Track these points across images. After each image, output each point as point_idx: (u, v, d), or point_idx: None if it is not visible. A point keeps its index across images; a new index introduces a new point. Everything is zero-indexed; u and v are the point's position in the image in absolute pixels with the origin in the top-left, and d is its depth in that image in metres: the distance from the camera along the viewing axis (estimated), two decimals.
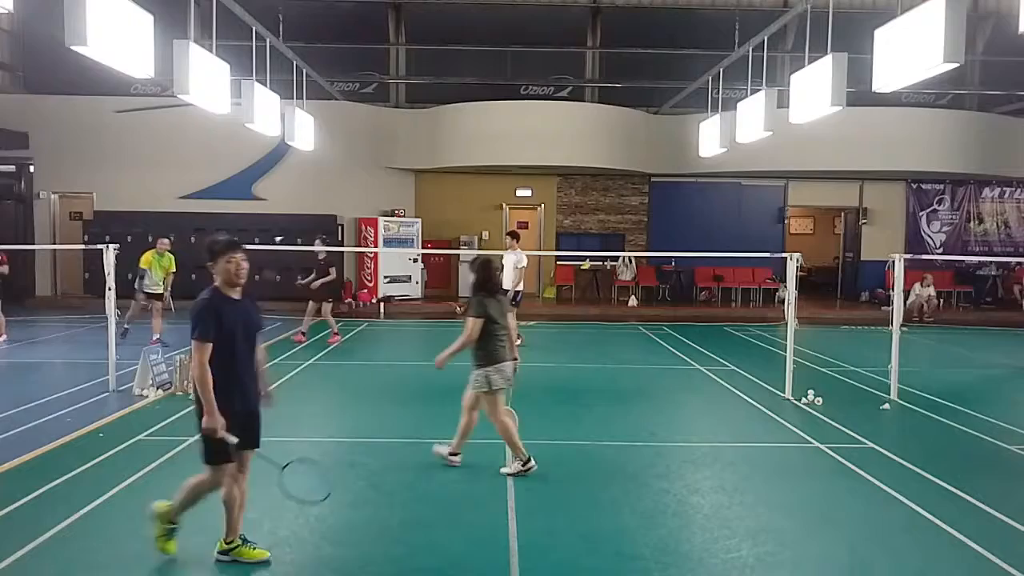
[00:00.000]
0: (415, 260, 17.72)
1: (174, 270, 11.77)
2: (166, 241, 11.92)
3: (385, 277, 17.29)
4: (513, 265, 11.27)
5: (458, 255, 17.78)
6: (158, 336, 11.35)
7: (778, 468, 6.03)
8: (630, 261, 18.79)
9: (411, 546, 4.42)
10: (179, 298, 15.95)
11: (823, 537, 4.68)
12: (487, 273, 5.64)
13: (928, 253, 18.74)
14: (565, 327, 14.36)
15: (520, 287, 11.41)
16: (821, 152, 16.68)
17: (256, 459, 4.25)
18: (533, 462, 5.58)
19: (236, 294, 4.12)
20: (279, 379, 9.05)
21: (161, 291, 11.57)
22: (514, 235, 11.88)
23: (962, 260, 18.67)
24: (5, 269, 11.88)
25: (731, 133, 12.30)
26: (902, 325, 8.55)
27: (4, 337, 11.69)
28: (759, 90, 10.73)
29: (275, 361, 10.22)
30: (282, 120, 12.31)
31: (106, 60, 6.51)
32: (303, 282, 12.10)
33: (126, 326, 11.56)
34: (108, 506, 4.92)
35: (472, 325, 5.46)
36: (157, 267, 11.55)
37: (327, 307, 12.04)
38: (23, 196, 17.91)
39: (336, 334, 12.22)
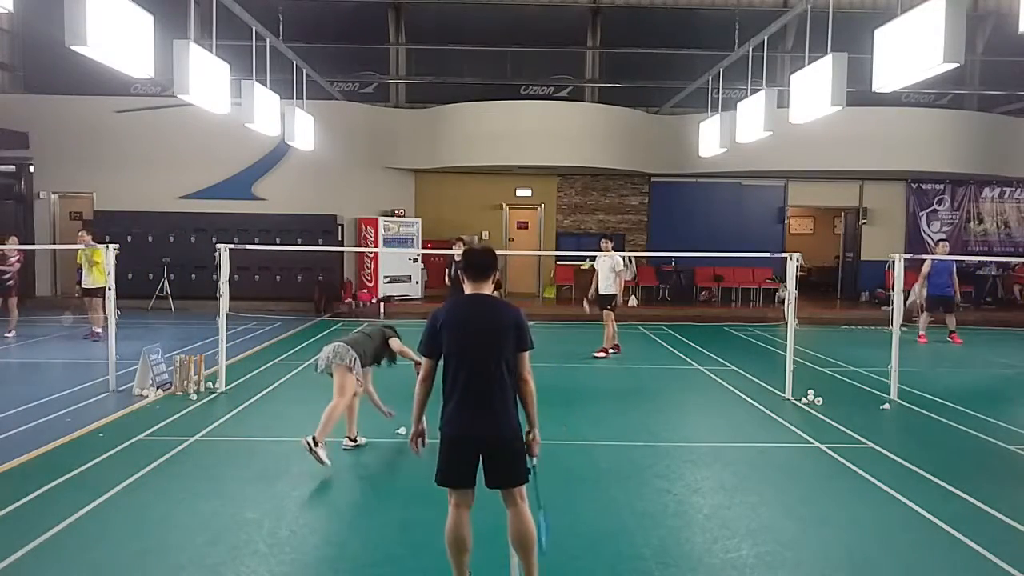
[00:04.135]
0: (415, 260, 17.72)
1: (97, 260, 11.25)
2: (83, 233, 11.78)
3: (385, 277, 17.30)
4: (611, 269, 10.97)
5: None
6: (98, 329, 11.43)
7: (778, 468, 6.02)
8: (630, 261, 18.74)
9: (411, 546, 4.42)
10: (179, 298, 16.18)
11: (823, 537, 4.68)
12: None
13: (928, 253, 18.69)
14: (565, 327, 14.38)
15: (615, 291, 11.07)
16: (821, 152, 16.68)
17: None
18: (320, 453, 5.54)
19: None
20: (277, 380, 9.05)
21: (97, 286, 11.10)
22: (609, 237, 11.61)
23: (962, 260, 18.65)
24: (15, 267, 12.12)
25: (731, 133, 12.30)
26: (902, 325, 8.54)
27: (13, 333, 11.83)
28: (759, 90, 10.73)
29: (275, 361, 10.22)
30: (282, 120, 12.31)
31: (106, 60, 6.52)
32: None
33: (96, 330, 11.58)
34: (108, 506, 4.91)
35: None
36: (85, 262, 11.49)
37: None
38: (23, 196, 17.91)
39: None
